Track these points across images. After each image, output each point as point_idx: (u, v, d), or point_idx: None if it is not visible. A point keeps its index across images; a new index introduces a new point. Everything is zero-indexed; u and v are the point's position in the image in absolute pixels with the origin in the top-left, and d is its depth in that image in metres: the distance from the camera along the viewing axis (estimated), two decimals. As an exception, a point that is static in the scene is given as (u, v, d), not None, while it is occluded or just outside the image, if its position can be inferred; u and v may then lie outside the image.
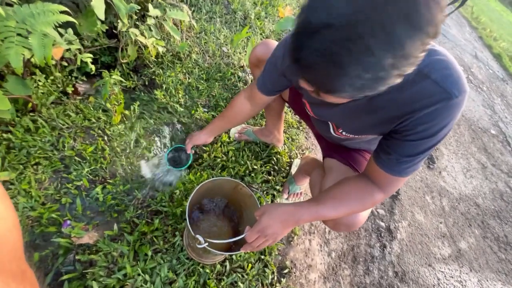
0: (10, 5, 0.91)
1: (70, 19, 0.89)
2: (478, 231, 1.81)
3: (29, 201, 0.92)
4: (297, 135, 1.57)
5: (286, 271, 1.08)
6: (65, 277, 0.83)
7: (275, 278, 1.04)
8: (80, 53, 1.15)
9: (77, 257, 0.88)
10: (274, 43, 1.01)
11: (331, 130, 0.81)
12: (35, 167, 1.00)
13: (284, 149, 1.46)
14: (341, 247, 1.30)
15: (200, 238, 0.72)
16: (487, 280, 1.54)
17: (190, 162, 1.14)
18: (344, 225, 0.78)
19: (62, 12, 0.89)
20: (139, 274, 0.88)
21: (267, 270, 1.03)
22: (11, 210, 0.34)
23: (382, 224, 1.49)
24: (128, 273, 0.87)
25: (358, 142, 0.87)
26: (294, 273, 1.10)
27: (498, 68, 5.08)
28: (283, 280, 1.04)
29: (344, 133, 0.78)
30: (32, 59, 1.09)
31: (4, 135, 1.00)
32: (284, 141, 1.50)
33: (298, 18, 0.39)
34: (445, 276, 1.44)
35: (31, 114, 1.10)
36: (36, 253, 0.85)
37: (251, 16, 2.11)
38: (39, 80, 1.14)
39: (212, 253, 0.83)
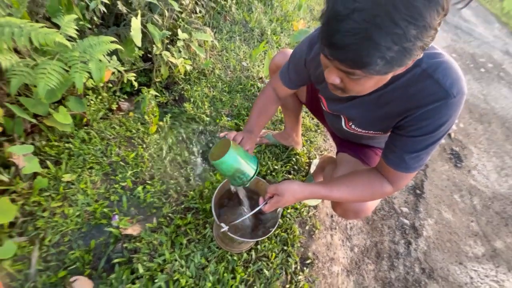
0: (73, 40, 1.14)
1: (119, 47, 1.10)
2: (517, 230, 1.71)
3: (86, 198, 1.10)
4: (315, 137, 1.65)
5: (308, 261, 1.14)
6: (115, 261, 0.98)
7: (298, 267, 1.10)
8: (122, 76, 1.37)
9: (124, 245, 1.03)
10: (290, 51, 1.13)
11: (343, 124, 0.89)
12: (89, 170, 1.19)
13: (303, 151, 1.54)
14: (363, 243, 1.33)
15: (222, 224, 0.83)
16: (530, 282, 1.44)
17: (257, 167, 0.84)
18: (352, 212, 0.84)
19: (112, 42, 1.10)
20: (176, 260, 1.00)
21: (290, 259, 1.10)
22: None
23: (406, 221, 1.49)
24: (167, 259, 1.00)
25: (367, 138, 0.94)
26: (317, 264, 1.15)
27: (535, 63, 4.75)
28: (306, 270, 1.10)
29: (353, 126, 0.85)
30: (87, 83, 1.32)
31: (66, 144, 1.21)
32: (303, 143, 1.58)
33: (325, 10, 0.46)
34: (478, 275, 1.39)
35: (85, 127, 1.31)
36: (93, 240, 1.01)
37: (267, 32, 2.28)
38: (91, 99, 1.37)
39: (237, 241, 0.94)
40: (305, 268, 1.11)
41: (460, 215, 1.65)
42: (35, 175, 1.06)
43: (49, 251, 0.97)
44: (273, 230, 0.91)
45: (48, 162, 1.12)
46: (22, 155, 0.99)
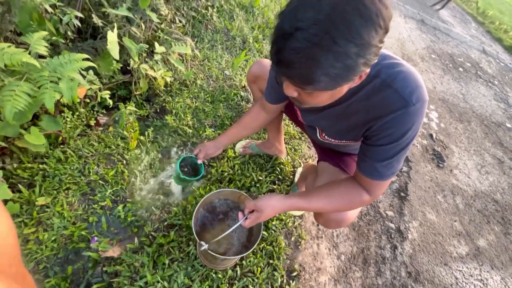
0: (43, 57, 1.11)
1: (91, 64, 1.06)
2: (498, 227, 1.76)
3: (62, 221, 1.06)
4: (299, 145, 1.65)
5: (295, 274, 1.13)
6: (94, 287, 0.94)
7: (284, 281, 1.09)
8: (100, 90, 1.33)
9: (104, 269, 0.99)
10: (267, 61, 1.13)
11: (318, 134, 0.90)
12: (66, 191, 1.15)
13: (288, 159, 1.54)
14: (350, 250, 1.33)
15: (202, 243, 0.81)
16: (512, 278, 1.48)
17: (202, 172, 1.10)
18: (333, 221, 0.84)
19: (84, 59, 1.07)
20: (158, 281, 0.97)
21: (276, 273, 1.09)
22: (5, 216, 0.34)
23: (392, 225, 1.51)
24: (149, 281, 0.97)
25: (344, 147, 0.95)
26: (304, 276, 1.14)
27: (511, 60, 4.95)
28: (293, 283, 1.09)
29: (326, 137, 0.87)
30: (61, 100, 1.28)
31: (40, 165, 1.16)
32: (287, 151, 1.58)
33: (275, 27, 0.48)
34: (463, 275, 1.42)
35: (61, 146, 1.27)
36: (70, 266, 0.97)
37: (249, 40, 2.28)
38: (67, 117, 1.32)
39: (219, 258, 0.92)
40: (291, 281, 1.10)
41: (444, 216, 1.68)
42: (5, 201, 1.01)
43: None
44: (255, 245, 0.90)
45: (21, 186, 1.07)
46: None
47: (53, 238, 1.01)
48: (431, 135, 2.30)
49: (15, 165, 1.12)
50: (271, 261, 1.11)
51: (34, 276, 0.93)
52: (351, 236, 1.38)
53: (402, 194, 1.70)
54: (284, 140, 1.63)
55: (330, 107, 0.72)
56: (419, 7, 5.45)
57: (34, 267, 0.95)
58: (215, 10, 2.36)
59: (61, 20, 1.33)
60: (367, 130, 0.70)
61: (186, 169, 1.17)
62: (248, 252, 0.90)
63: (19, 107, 0.89)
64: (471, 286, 1.38)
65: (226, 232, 0.81)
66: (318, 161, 1.06)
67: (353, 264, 1.28)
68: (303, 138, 1.72)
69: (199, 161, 1.09)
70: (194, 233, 0.86)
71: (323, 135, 0.87)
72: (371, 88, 0.64)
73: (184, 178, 1.06)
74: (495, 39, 5.79)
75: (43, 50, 1.03)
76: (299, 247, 1.23)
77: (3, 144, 1.04)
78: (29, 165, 1.15)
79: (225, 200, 1.06)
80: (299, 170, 1.49)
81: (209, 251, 0.83)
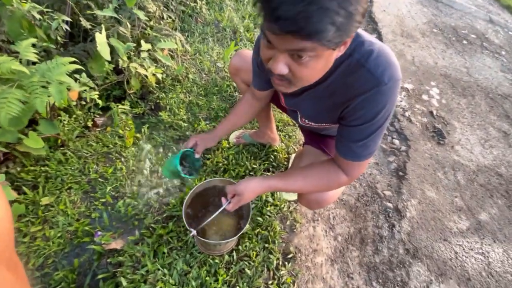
0: (34, 63, 1.15)
1: (78, 67, 1.10)
2: (502, 201, 1.74)
3: (67, 218, 1.12)
4: (294, 131, 1.66)
5: (290, 256, 1.16)
6: (100, 276, 1.01)
7: (280, 263, 1.13)
8: (95, 91, 1.37)
9: (108, 260, 1.06)
10: (247, 51, 1.14)
11: (299, 118, 0.91)
12: (68, 191, 1.21)
13: (281, 146, 1.56)
14: (347, 231, 1.35)
15: (190, 229, 0.86)
16: (515, 250, 1.48)
17: (199, 167, 1.09)
18: (314, 202, 0.86)
19: (72, 62, 1.11)
20: (158, 269, 1.03)
21: (271, 256, 1.13)
22: (2, 201, 0.33)
23: (390, 205, 1.51)
24: (150, 269, 1.02)
25: (326, 129, 0.96)
26: (300, 257, 1.18)
27: (520, 28, 4.71)
28: (288, 265, 1.13)
29: (306, 120, 0.87)
30: (57, 103, 1.32)
31: (42, 168, 1.23)
32: (281, 138, 1.60)
33: None
34: (463, 249, 1.42)
35: (61, 148, 1.33)
36: (76, 259, 1.04)
37: (240, 29, 2.27)
38: (64, 120, 1.37)
39: (211, 244, 0.96)
40: (287, 263, 1.13)
41: (444, 192, 1.67)
42: (11, 202, 1.08)
43: (33, 274, 0.99)
44: (244, 228, 0.93)
45: (25, 188, 1.14)
46: (-4, 185, 1.01)
47: (59, 235, 1.08)
48: (431, 112, 2.26)
49: (18, 169, 1.19)
50: (266, 245, 1.15)
51: (43, 271, 1.00)
52: (348, 218, 1.40)
53: (401, 173, 1.70)
54: (278, 127, 1.65)
55: (310, 88, 0.72)
56: (420, -21, 5.22)
57: (43, 262, 1.02)
58: (203, 2, 2.35)
59: (51, 26, 1.36)
60: (343, 111, 0.70)
61: (186, 164, 1.10)
62: (238, 234, 0.93)
63: (13, 113, 0.93)
64: (472, 259, 1.39)
65: (211, 218, 0.85)
66: (303, 145, 1.07)
67: (350, 244, 1.31)
68: (297, 125, 1.73)
69: (197, 155, 1.04)
70: (184, 221, 0.90)
71: (304, 119, 0.88)
72: (346, 67, 0.65)
73: (183, 176, 1.00)
74: (503, 7, 5.49)
75: (33, 57, 1.06)
76: (295, 230, 1.26)
77: (5, 150, 1.10)
78: (32, 168, 1.21)
79: (214, 187, 1.09)
80: (293, 156, 1.51)
81: (198, 237, 0.86)
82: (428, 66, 2.85)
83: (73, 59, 1.11)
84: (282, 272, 1.10)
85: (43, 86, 1.02)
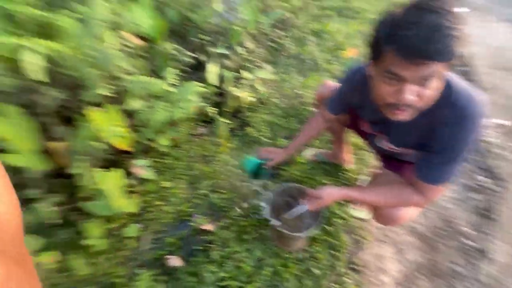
0: (173, 84, 1.61)
1: (202, 89, 1.51)
2: None
3: (177, 200, 1.48)
4: (365, 155, 1.75)
5: (355, 267, 1.24)
6: (194, 247, 1.29)
7: (345, 271, 1.22)
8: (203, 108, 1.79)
9: (202, 237, 1.34)
10: (331, 82, 1.35)
11: (381, 143, 1.04)
12: (179, 180, 1.59)
13: (353, 168, 1.67)
14: (417, 260, 1.34)
15: (274, 220, 1.06)
16: None
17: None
18: (388, 217, 0.96)
19: (197, 85, 1.52)
20: (240, 252, 1.25)
21: (338, 263, 1.23)
22: (11, 192, 0.33)
23: (470, 243, 1.42)
24: (233, 250, 1.26)
25: (405, 155, 1.06)
26: (365, 271, 1.24)
27: None
28: (354, 274, 1.21)
29: (391, 145, 1.00)
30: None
31: (165, 161, 1.65)
32: (354, 161, 1.71)
33: (388, 30, 0.64)
34: None
35: (176, 148, 1.75)
36: (181, 231, 1.36)
37: (319, 62, 2.53)
38: (182, 128, 1.82)
39: (288, 237, 1.14)
40: (352, 273, 1.21)
41: (545, 243, 1.46)
42: (146, 181, 1.50)
43: (154, 236, 1.35)
44: (315, 227, 1.08)
45: (154, 173, 1.56)
46: (140, 167, 1.45)
47: (171, 211, 1.44)
48: (534, 153, 1.99)
49: (151, 160, 1.63)
50: (332, 252, 1.26)
51: (160, 234, 1.35)
52: (419, 246, 1.39)
53: (486, 213, 1.56)
54: (353, 151, 1.76)
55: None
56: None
57: (161, 228, 1.38)
58: (288, 39, 2.72)
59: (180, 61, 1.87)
60: (428, 138, 0.82)
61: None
62: (310, 229, 1.08)
63: (160, 119, 1.36)
64: None
65: (293, 215, 1.04)
66: (380, 168, 1.18)
67: (419, 273, 1.29)
68: (372, 149, 1.81)
69: (267, 167, 1.30)
70: (267, 213, 1.11)
71: (388, 143, 1.00)
72: (437, 102, 0.75)
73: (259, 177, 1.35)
74: None
75: (173, 80, 1.52)
76: (361, 246, 1.33)
77: (149, 143, 1.55)
78: (159, 160, 1.65)
79: (294, 190, 1.28)
80: (363, 177, 1.59)
81: (279, 228, 1.06)
82: (532, 103, 2.51)
83: (199, 83, 1.53)
84: (347, 279, 1.18)
85: (178, 101, 1.44)
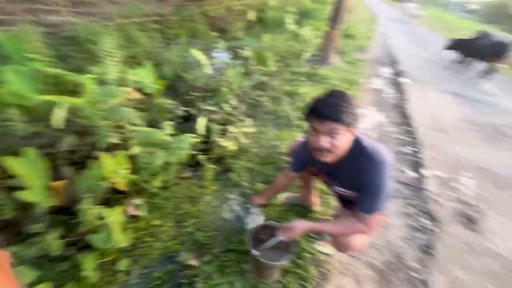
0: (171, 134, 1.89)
1: (195, 140, 1.79)
2: (544, 296, 1.73)
3: (165, 236, 1.63)
4: (330, 199, 2.06)
5: (321, 297, 1.43)
6: (181, 281, 1.42)
7: (313, 299, 1.41)
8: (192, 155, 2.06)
9: (187, 271, 1.48)
10: (300, 139, 1.72)
11: (337, 188, 1.36)
12: (168, 219, 1.75)
13: (320, 209, 1.95)
14: (373, 290, 1.56)
15: (254, 251, 1.27)
16: None
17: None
18: (339, 245, 1.24)
19: (190, 137, 1.81)
20: (222, 284, 1.41)
21: (306, 293, 1.42)
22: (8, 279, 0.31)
23: (416, 275, 1.69)
24: (216, 282, 1.41)
25: (353, 197, 1.38)
26: (329, 300, 1.44)
27: None
28: (320, 303, 1.40)
29: (340, 189, 1.33)
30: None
31: (156, 201, 1.83)
32: (321, 204, 2.00)
33: (309, 108, 1.08)
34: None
35: (165, 188, 1.95)
36: (168, 265, 1.49)
37: (291, 118, 2.99)
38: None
39: (266, 266, 1.34)
40: (318, 301, 1.40)
41: (476, 277, 1.77)
42: (137, 219, 1.65)
43: (142, 271, 1.46)
44: (289, 256, 1.30)
45: (143, 212, 1.72)
46: (134, 206, 1.61)
47: (160, 247, 1.58)
48: (463, 200, 2.44)
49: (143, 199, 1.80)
50: (302, 282, 1.46)
51: (147, 269, 1.47)
52: (374, 278, 1.63)
53: (428, 249, 1.88)
54: (319, 195, 2.07)
55: (340, 169, 1.21)
56: (457, 82, 5.79)
57: (149, 263, 1.50)
58: (266, 98, 3.21)
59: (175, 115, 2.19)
60: (358, 182, 1.16)
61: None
62: (284, 259, 1.29)
63: (159, 163, 1.59)
64: None
65: (270, 244, 1.26)
66: (338, 208, 1.49)
67: (375, 302, 1.51)
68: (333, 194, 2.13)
69: (253, 207, 1.69)
70: (249, 245, 1.33)
71: (338, 188, 1.33)
72: (355, 155, 1.14)
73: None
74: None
75: (170, 131, 1.80)
76: (326, 278, 1.54)
77: (142, 184, 1.74)
78: (150, 200, 1.82)
79: (270, 227, 1.51)
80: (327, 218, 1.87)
81: (258, 258, 1.27)
82: (461, 157, 3.09)
83: (192, 135, 1.82)
84: (314, 307, 1.37)
85: (174, 149, 1.71)
